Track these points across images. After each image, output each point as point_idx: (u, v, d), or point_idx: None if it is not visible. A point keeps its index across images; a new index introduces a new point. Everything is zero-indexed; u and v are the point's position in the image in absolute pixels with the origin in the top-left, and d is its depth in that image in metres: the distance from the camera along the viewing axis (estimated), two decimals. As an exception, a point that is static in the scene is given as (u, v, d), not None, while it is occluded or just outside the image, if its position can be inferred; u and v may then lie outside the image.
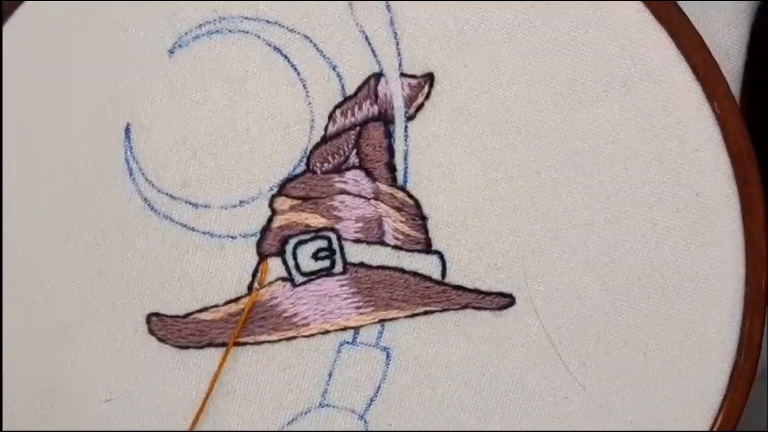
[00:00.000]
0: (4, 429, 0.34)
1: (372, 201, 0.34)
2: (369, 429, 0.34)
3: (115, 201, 0.33)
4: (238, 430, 0.34)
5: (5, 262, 0.33)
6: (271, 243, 0.34)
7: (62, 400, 0.34)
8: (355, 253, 0.34)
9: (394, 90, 0.33)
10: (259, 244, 0.34)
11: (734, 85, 0.35)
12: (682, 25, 0.33)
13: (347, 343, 0.34)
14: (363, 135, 0.34)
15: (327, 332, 0.34)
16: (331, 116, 0.33)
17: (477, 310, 0.34)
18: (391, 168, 0.34)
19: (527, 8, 0.33)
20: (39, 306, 0.34)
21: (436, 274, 0.34)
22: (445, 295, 0.34)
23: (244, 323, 0.34)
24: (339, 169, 0.34)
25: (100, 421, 0.34)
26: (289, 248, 0.34)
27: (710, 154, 0.33)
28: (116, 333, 0.34)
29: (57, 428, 0.34)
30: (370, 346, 0.34)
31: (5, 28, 0.33)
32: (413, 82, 0.33)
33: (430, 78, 0.33)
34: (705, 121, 0.33)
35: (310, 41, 0.33)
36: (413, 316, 0.34)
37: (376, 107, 0.33)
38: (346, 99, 0.33)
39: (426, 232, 0.34)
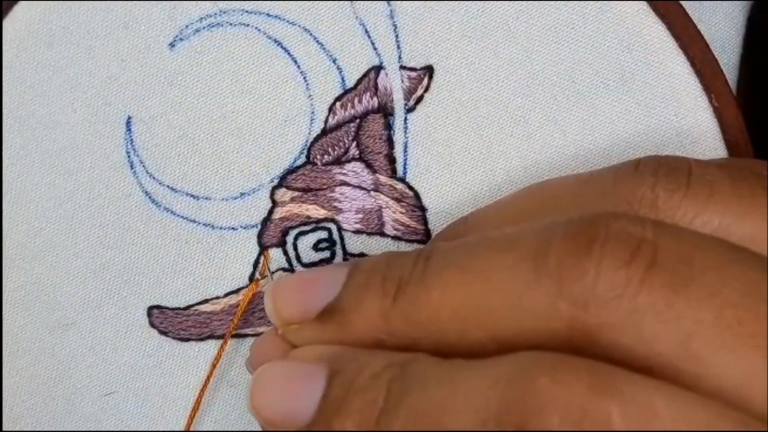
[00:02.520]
0: (4, 429, 0.34)
1: (372, 192, 0.34)
2: None
3: (116, 194, 0.34)
4: (241, 428, 0.34)
5: (5, 258, 0.33)
6: (272, 234, 0.34)
7: (62, 396, 0.34)
8: (355, 243, 0.34)
9: (394, 82, 0.34)
10: (260, 236, 0.34)
11: (731, 77, 0.35)
12: (680, 17, 0.33)
13: (348, 334, 0.35)
14: (363, 127, 0.34)
15: (327, 323, 0.35)
16: (331, 109, 0.34)
17: (476, 301, 0.34)
18: (391, 160, 0.34)
19: (526, 1, 0.33)
20: (40, 301, 0.34)
21: (435, 266, 0.34)
22: (445, 286, 0.34)
23: (243, 313, 0.34)
24: (339, 161, 0.34)
25: (100, 416, 0.34)
26: (289, 239, 0.34)
27: (708, 147, 0.34)
28: (117, 326, 0.34)
29: (57, 424, 0.34)
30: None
31: (5, 24, 0.33)
32: (413, 74, 0.34)
33: (429, 70, 0.34)
34: (703, 113, 0.34)
35: (311, 34, 0.33)
36: (413, 307, 0.35)
37: (375, 99, 0.34)
38: (346, 91, 0.34)
39: (425, 223, 0.34)
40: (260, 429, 0.31)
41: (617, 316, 0.24)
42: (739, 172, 0.28)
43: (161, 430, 0.34)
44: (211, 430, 0.34)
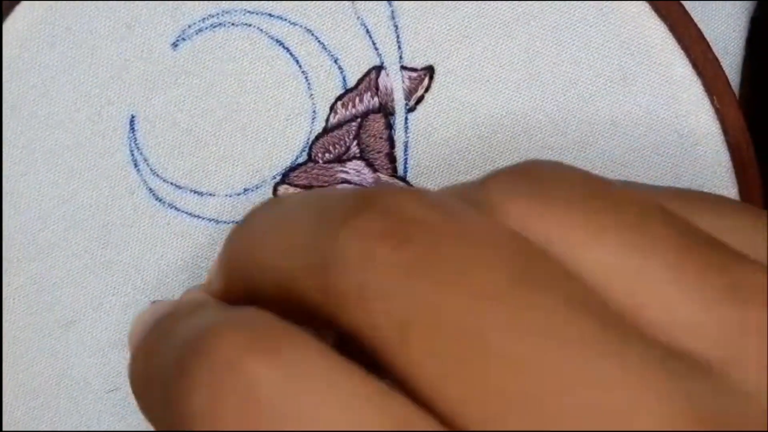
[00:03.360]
0: (4, 429, 0.34)
1: (372, 191, 0.34)
2: None
3: (120, 192, 0.34)
4: None
5: (8, 256, 0.34)
6: (274, 231, 0.34)
7: (64, 394, 0.34)
8: None
9: (395, 82, 0.34)
10: None
11: (734, 79, 0.35)
12: (682, 19, 0.33)
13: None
14: (364, 126, 0.34)
15: (328, 320, 0.35)
16: (332, 108, 0.34)
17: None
18: (392, 159, 0.34)
19: (527, 2, 0.33)
20: (43, 299, 0.34)
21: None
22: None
23: None
24: (340, 159, 0.34)
25: (103, 414, 0.35)
26: (290, 238, 0.34)
27: (710, 149, 0.34)
28: (120, 323, 0.34)
29: (59, 423, 0.34)
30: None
31: (6, 24, 0.33)
32: (413, 74, 0.34)
33: (430, 71, 0.34)
34: (704, 115, 0.33)
35: (312, 34, 0.33)
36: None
37: (376, 99, 0.34)
38: (347, 91, 0.34)
39: None
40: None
41: (351, 286, 0.22)
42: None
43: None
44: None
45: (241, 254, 0.27)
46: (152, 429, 0.34)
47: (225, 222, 0.34)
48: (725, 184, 0.34)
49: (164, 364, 0.24)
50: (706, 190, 0.34)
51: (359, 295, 0.22)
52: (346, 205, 0.24)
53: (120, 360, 0.34)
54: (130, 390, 0.34)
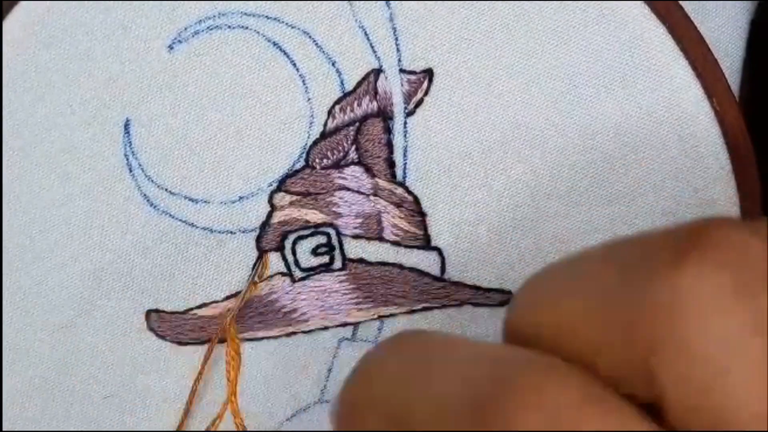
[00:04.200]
0: (4, 429, 0.34)
1: (371, 197, 0.34)
2: None
3: (114, 197, 0.33)
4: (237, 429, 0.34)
5: (4, 260, 0.33)
6: (271, 238, 0.34)
7: (61, 398, 0.34)
8: (355, 248, 0.34)
9: (394, 86, 0.33)
10: (258, 240, 0.34)
11: (734, 81, 0.35)
12: (682, 20, 0.33)
13: (346, 339, 0.35)
14: (362, 131, 0.34)
15: (326, 328, 0.34)
16: (330, 112, 0.34)
17: (476, 307, 0.34)
18: (391, 164, 0.34)
19: (526, 4, 0.33)
20: (38, 304, 0.34)
21: (435, 271, 0.34)
22: (444, 292, 0.34)
23: (243, 306, 0.34)
24: (338, 165, 0.34)
25: (99, 418, 0.34)
26: (288, 244, 0.34)
27: (709, 150, 0.34)
28: (115, 330, 0.34)
29: (56, 426, 0.34)
30: (369, 342, 0.35)
31: (5, 26, 0.33)
32: (412, 77, 0.33)
33: (429, 74, 0.33)
34: (704, 117, 0.33)
35: (310, 37, 0.33)
36: (412, 312, 0.34)
37: (375, 103, 0.34)
38: (346, 95, 0.33)
39: (425, 228, 0.34)
40: (255, 429, 0.31)
41: (700, 339, 0.19)
42: None
43: (159, 430, 0.34)
44: (207, 430, 0.34)
45: (530, 323, 0.24)
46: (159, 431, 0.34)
47: (218, 231, 0.34)
48: (725, 186, 0.34)
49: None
50: (705, 192, 0.33)
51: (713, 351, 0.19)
52: (668, 246, 0.21)
53: (115, 366, 0.34)
54: (124, 397, 0.34)
